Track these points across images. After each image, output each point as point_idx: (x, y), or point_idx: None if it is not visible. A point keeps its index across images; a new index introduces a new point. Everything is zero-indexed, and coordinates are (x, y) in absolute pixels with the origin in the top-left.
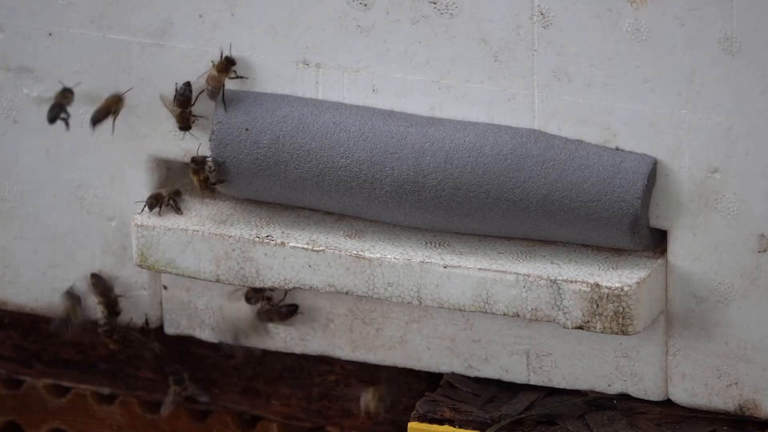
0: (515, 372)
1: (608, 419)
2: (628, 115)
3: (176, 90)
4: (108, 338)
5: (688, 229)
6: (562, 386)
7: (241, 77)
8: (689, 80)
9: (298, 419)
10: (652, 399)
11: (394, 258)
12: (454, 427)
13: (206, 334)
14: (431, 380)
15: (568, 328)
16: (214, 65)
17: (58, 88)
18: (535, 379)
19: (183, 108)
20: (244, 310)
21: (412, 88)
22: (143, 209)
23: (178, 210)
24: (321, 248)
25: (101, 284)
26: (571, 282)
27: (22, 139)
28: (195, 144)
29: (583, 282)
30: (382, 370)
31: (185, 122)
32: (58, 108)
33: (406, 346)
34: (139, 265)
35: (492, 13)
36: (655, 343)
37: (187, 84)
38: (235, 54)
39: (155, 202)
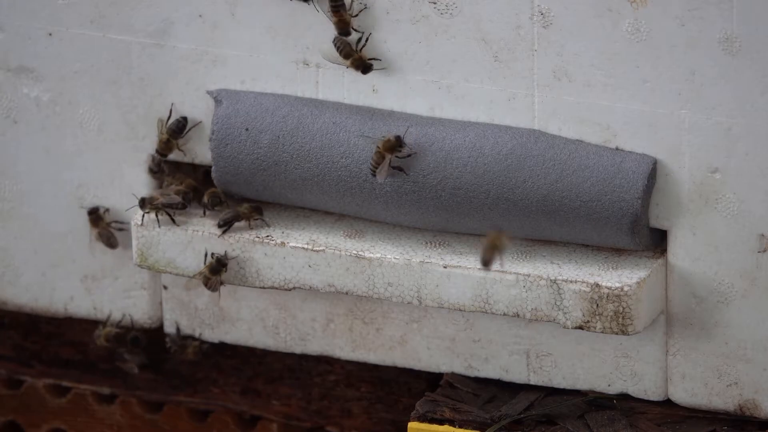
0: (515, 372)
1: (608, 419)
2: (628, 115)
3: (169, 115)
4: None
5: (688, 229)
6: (562, 386)
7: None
8: (689, 80)
9: (298, 419)
10: (652, 399)
11: (394, 258)
12: (454, 427)
13: (206, 334)
14: (431, 380)
15: (568, 328)
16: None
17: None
18: (535, 379)
19: (169, 136)
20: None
21: (412, 88)
22: (223, 231)
23: (264, 223)
24: (321, 248)
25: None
26: (571, 282)
27: (22, 139)
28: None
29: (583, 282)
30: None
31: (167, 151)
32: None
33: (406, 346)
34: (139, 265)
35: (492, 13)
36: (655, 343)
37: (184, 118)
38: (232, 54)
39: (233, 219)
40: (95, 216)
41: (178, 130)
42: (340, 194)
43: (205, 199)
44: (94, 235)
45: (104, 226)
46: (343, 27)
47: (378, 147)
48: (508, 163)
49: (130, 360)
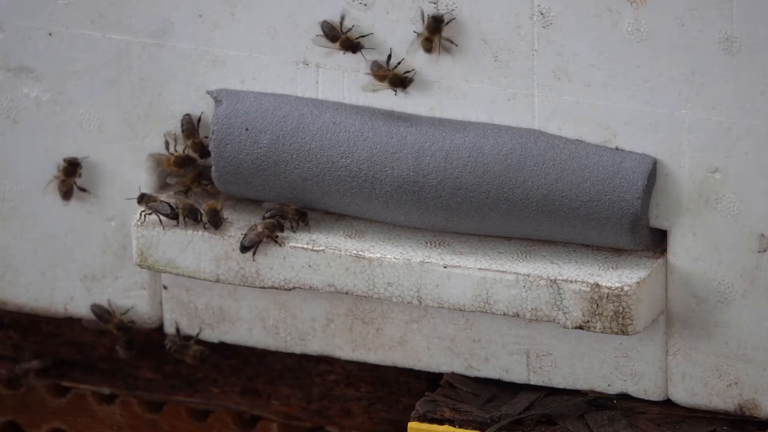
0: (515, 372)
1: (608, 419)
2: (628, 115)
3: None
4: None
5: (688, 229)
6: (562, 386)
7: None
8: (689, 80)
9: (298, 419)
10: (652, 399)
11: (394, 258)
12: (454, 427)
13: (206, 334)
14: (431, 380)
15: (568, 328)
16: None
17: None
18: (535, 379)
19: (192, 138)
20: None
21: (412, 87)
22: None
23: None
24: (321, 248)
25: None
26: (571, 282)
27: (22, 139)
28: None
29: (583, 282)
30: None
31: (202, 149)
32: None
33: (406, 346)
34: (139, 265)
35: (492, 13)
36: (655, 343)
37: (187, 115)
38: (232, 54)
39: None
40: (72, 168)
41: (189, 128)
42: (340, 194)
43: (205, 218)
44: (57, 183)
45: (71, 180)
46: (394, 80)
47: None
48: (508, 163)
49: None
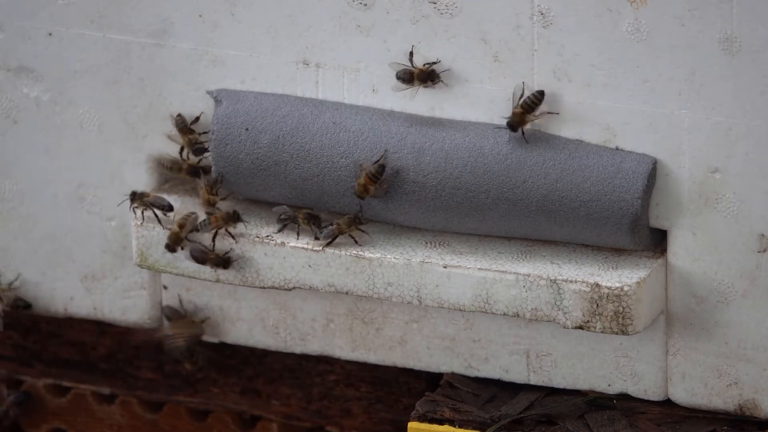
0: (515, 372)
1: (608, 419)
2: (628, 115)
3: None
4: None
5: (688, 229)
6: (562, 386)
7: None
8: (689, 80)
9: (298, 419)
10: (652, 399)
11: (394, 258)
12: (454, 427)
13: (206, 334)
14: (431, 380)
15: (568, 328)
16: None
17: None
18: (535, 379)
19: (185, 134)
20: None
21: (411, 87)
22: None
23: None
24: (321, 248)
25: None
26: (571, 282)
27: (22, 139)
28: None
29: (583, 282)
30: None
31: (195, 145)
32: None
33: (406, 346)
34: (139, 265)
35: (492, 13)
36: (655, 343)
37: (179, 115)
38: (232, 54)
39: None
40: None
41: (182, 124)
42: (340, 194)
43: (302, 223)
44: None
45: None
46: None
47: (360, 177)
48: (508, 163)
49: None
